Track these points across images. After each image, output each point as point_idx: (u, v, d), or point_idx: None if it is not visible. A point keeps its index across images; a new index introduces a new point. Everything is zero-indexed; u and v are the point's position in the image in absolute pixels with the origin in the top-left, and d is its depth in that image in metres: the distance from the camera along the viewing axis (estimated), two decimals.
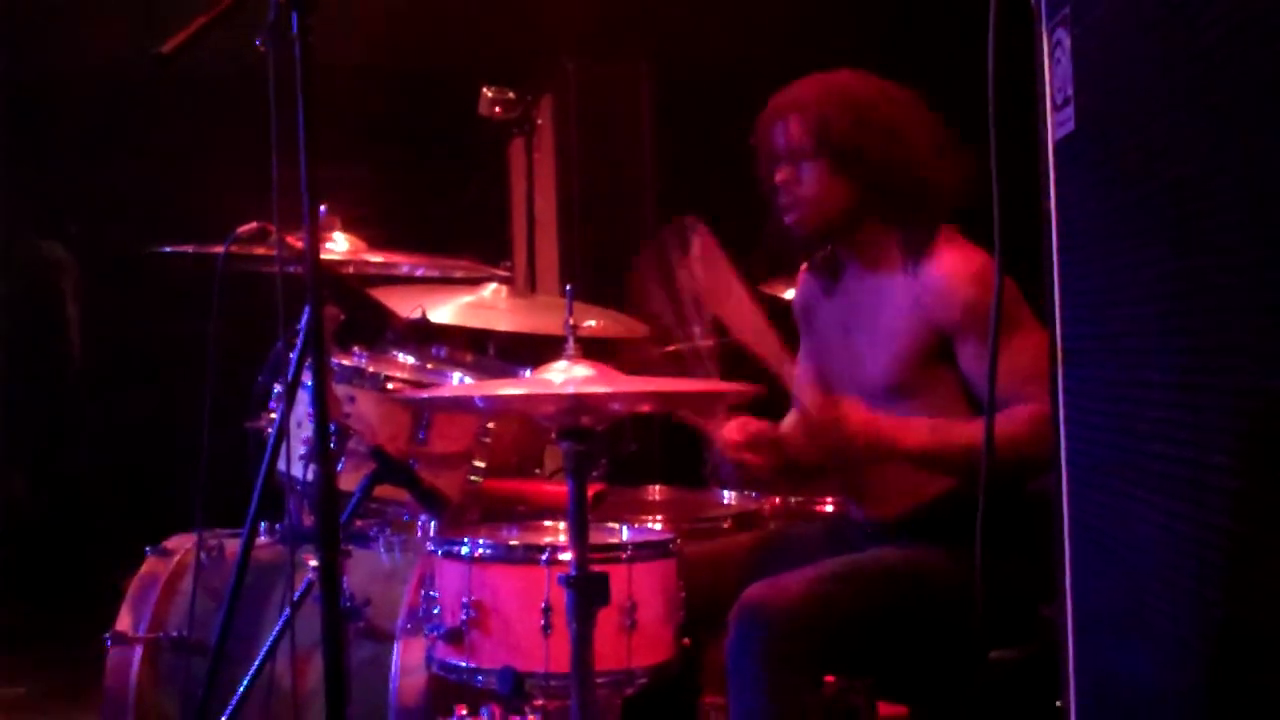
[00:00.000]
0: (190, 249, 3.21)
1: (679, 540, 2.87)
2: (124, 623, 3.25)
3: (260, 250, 3.01)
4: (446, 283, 3.66)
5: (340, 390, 3.13)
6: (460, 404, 3.10)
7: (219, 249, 2.90)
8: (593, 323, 2.68)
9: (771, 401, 2.77)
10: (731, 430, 2.87)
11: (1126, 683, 1.66)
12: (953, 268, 2.73)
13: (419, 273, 3.64)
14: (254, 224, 2.89)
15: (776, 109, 2.86)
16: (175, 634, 3.18)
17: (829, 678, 2.68)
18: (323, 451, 2.20)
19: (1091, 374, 1.74)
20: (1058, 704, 1.86)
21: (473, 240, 4.06)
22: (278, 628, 2.79)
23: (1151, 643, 1.56)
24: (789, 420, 2.83)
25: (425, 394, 3.15)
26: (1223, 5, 1.31)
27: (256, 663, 2.82)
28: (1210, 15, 1.33)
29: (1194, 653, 1.46)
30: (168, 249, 3.27)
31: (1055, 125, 1.79)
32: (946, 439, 2.68)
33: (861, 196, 2.81)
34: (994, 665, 2.56)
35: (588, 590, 2.42)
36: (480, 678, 2.73)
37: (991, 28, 1.75)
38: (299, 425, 3.08)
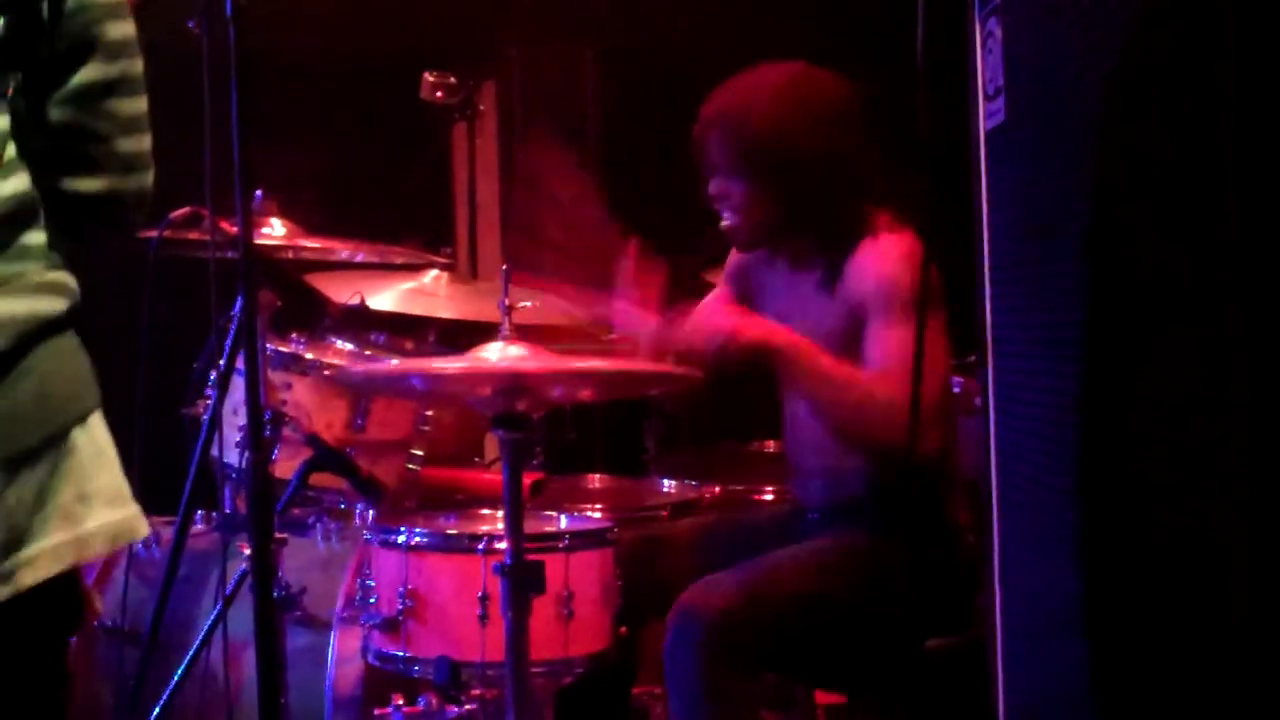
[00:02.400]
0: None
1: (617, 529, 2.87)
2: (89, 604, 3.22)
3: (194, 235, 2.97)
4: (386, 269, 3.64)
5: (276, 377, 3.11)
6: (395, 383, 3.07)
7: (152, 233, 2.86)
8: (528, 303, 2.67)
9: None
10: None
11: (1054, 674, 1.67)
12: (872, 251, 2.74)
13: (358, 259, 3.61)
14: (187, 209, 2.87)
15: (702, 122, 2.86)
16: (109, 622, 3.15)
17: (768, 675, 2.69)
18: (256, 439, 2.19)
19: (1019, 364, 1.75)
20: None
21: (414, 226, 4.03)
22: (212, 616, 2.77)
23: (1077, 634, 1.57)
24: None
25: (359, 369, 3.12)
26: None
27: (191, 651, 2.80)
28: (1129, 9, 1.34)
29: (1118, 645, 1.47)
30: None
31: (986, 115, 1.79)
32: (814, 358, 2.67)
33: (787, 206, 2.81)
34: (930, 654, 2.57)
35: (522, 579, 2.42)
36: (417, 667, 2.72)
37: (921, 17, 1.75)
38: (235, 412, 3.05)
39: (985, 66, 1.78)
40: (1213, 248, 1.22)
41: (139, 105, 1.63)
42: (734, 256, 3.07)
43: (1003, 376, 1.81)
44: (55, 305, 1.51)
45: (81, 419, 1.51)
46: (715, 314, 2.81)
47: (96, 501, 1.51)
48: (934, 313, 2.67)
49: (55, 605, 1.53)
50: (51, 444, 1.47)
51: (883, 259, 2.72)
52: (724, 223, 2.86)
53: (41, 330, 1.49)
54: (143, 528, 1.57)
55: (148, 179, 1.66)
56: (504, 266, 2.59)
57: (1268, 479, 1.19)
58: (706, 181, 2.86)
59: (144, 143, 1.64)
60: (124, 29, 1.61)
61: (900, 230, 2.76)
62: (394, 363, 3.22)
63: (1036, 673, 1.74)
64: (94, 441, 1.53)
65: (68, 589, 1.53)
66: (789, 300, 2.88)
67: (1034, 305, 1.71)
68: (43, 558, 1.46)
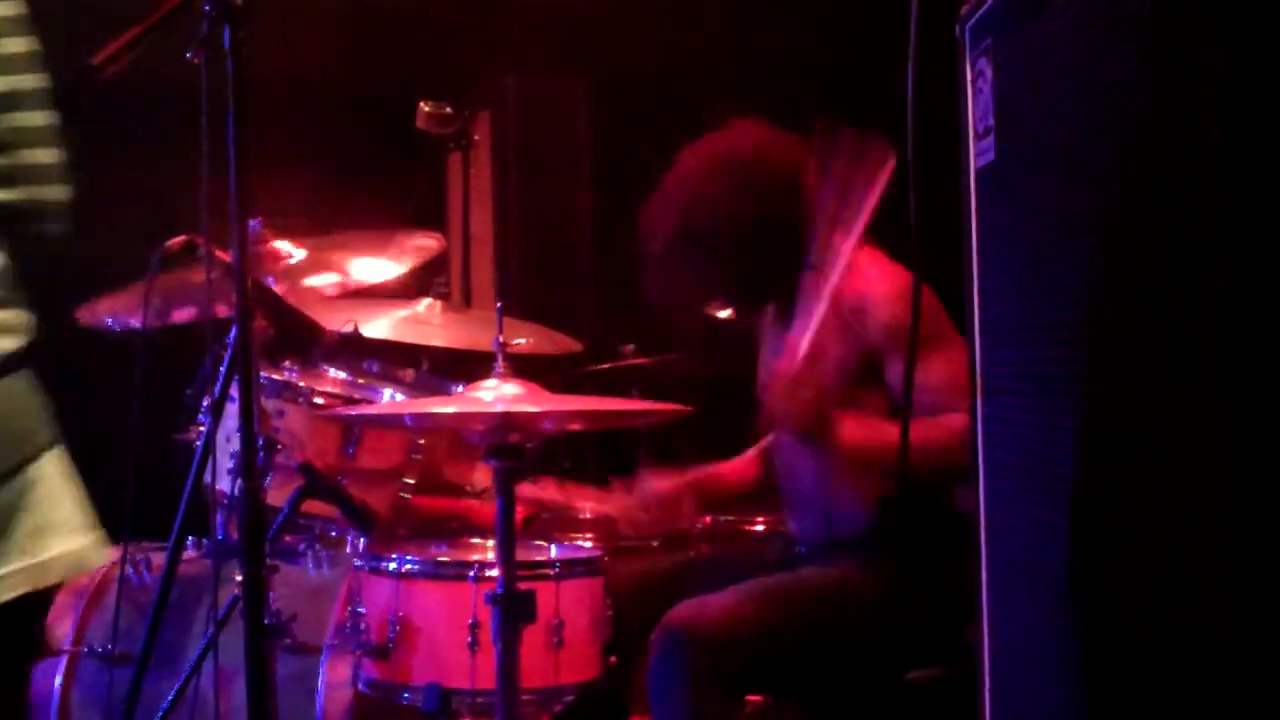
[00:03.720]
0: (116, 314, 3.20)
1: (608, 558, 2.88)
2: (48, 636, 3.22)
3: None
4: (381, 297, 3.65)
5: (269, 404, 3.12)
6: (388, 422, 3.09)
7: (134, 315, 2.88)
8: (523, 340, 2.69)
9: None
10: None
11: (1042, 709, 1.68)
12: (873, 290, 2.77)
13: (353, 287, 3.62)
14: (181, 238, 2.87)
15: (651, 218, 2.95)
16: (99, 647, 3.15)
17: (753, 697, 2.71)
18: (248, 466, 2.19)
19: (1009, 400, 1.77)
20: None
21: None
22: (203, 643, 2.77)
23: (1065, 668, 1.58)
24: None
25: (352, 411, 3.14)
26: (1135, 41, 1.33)
27: (181, 678, 2.80)
28: (1123, 50, 1.36)
29: (1106, 679, 1.48)
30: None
31: (977, 154, 1.81)
32: (878, 437, 2.70)
33: (762, 269, 2.87)
34: (912, 686, 2.59)
35: (513, 607, 2.43)
36: (406, 694, 2.73)
37: (911, 58, 1.77)
38: (227, 439, 3.05)
39: (975, 105, 1.80)
40: (1203, 286, 1.24)
41: (44, 119, 1.64)
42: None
43: (992, 412, 1.83)
44: (6, 345, 1.52)
45: (37, 455, 1.53)
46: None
47: (55, 532, 1.52)
48: (951, 330, 2.71)
49: (13, 632, 1.54)
50: (8, 479, 1.49)
51: (878, 303, 2.78)
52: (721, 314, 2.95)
53: None
54: (99, 556, 1.59)
55: (61, 191, 1.67)
56: (499, 303, 2.60)
57: (1253, 513, 1.21)
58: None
59: (53, 155, 1.65)
60: (23, 44, 1.62)
61: (878, 257, 2.79)
62: (387, 397, 3.23)
63: (1024, 707, 1.75)
64: (52, 475, 1.55)
65: (27, 617, 1.54)
66: (780, 344, 2.93)
67: (1023, 341, 1.72)
68: (1, 584, 1.47)
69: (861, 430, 2.72)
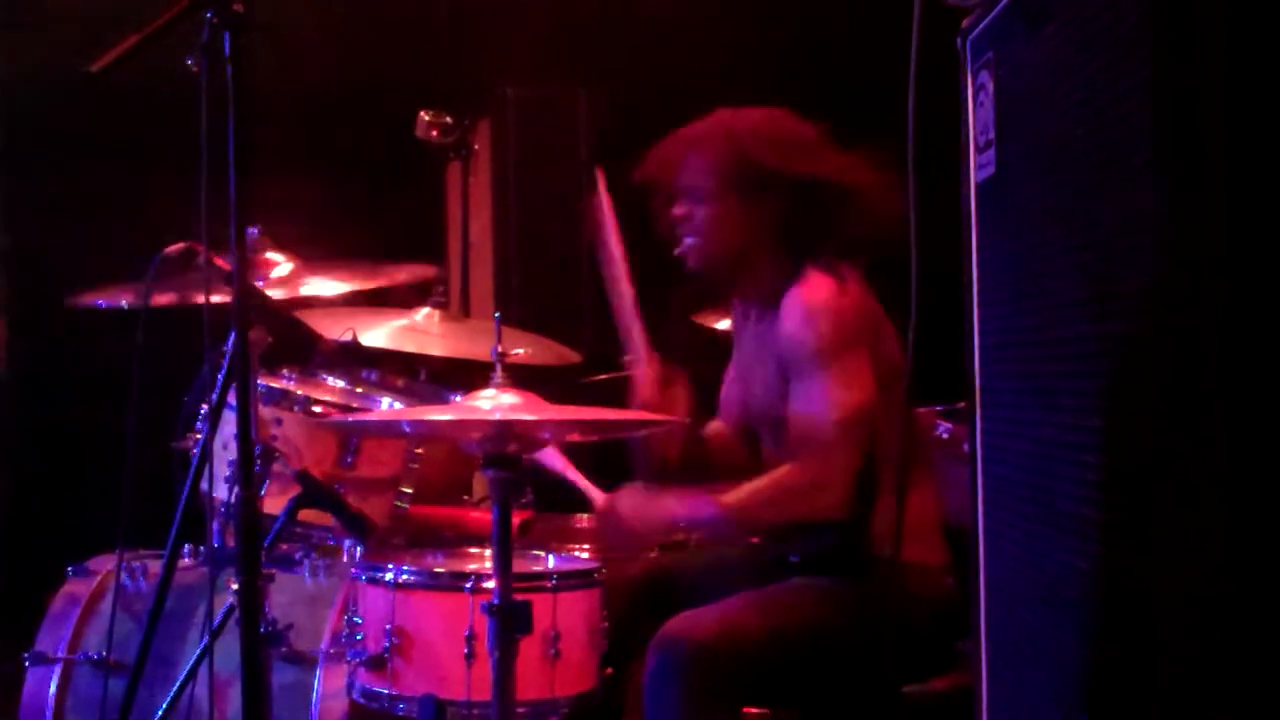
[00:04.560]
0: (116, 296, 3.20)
1: (604, 569, 2.88)
2: (43, 643, 3.22)
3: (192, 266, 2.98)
4: (379, 306, 3.65)
5: (267, 412, 3.11)
6: (385, 429, 3.09)
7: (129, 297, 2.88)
8: (522, 351, 2.68)
9: None
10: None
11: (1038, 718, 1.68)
12: (791, 302, 2.78)
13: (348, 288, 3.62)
14: (181, 245, 2.87)
15: (678, 143, 2.91)
16: (95, 655, 3.14)
17: (749, 709, 2.70)
18: (245, 475, 2.19)
19: (1007, 414, 1.76)
20: None
21: (407, 264, 4.04)
22: (198, 651, 2.77)
23: (1061, 680, 1.58)
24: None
25: (349, 418, 3.13)
26: (1136, 55, 1.33)
27: (176, 686, 2.79)
28: (1124, 64, 1.36)
29: (1105, 691, 1.47)
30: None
31: (977, 167, 1.81)
32: (696, 513, 2.86)
33: (756, 233, 2.85)
34: (908, 698, 2.58)
35: (510, 619, 2.42)
36: (402, 705, 2.71)
37: (912, 73, 1.77)
38: (225, 447, 3.05)
39: (977, 119, 1.81)
40: (1203, 299, 1.24)
41: None
42: (731, 323, 3.15)
43: (990, 425, 1.83)
44: None
45: None
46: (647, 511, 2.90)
47: None
48: (856, 353, 2.72)
49: None
50: None
51: (792, 314, 2.77)
52: (681, 246, 2.92)
53: None
54: None
55: None
56: (497, 314, 2.60)
57: (1249, 522, 1.21)
58: (665, 209, 2.92)
59: None
60: None
61: (831, 272, 2.79)
62: (385, 406, 3.23)
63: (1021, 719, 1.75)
64: None
65: None
66: (754, 351, 2.93)
67: (1023, 355, 1.72)
68: None
69: (682, 509, 2.86)
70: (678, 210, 2.89)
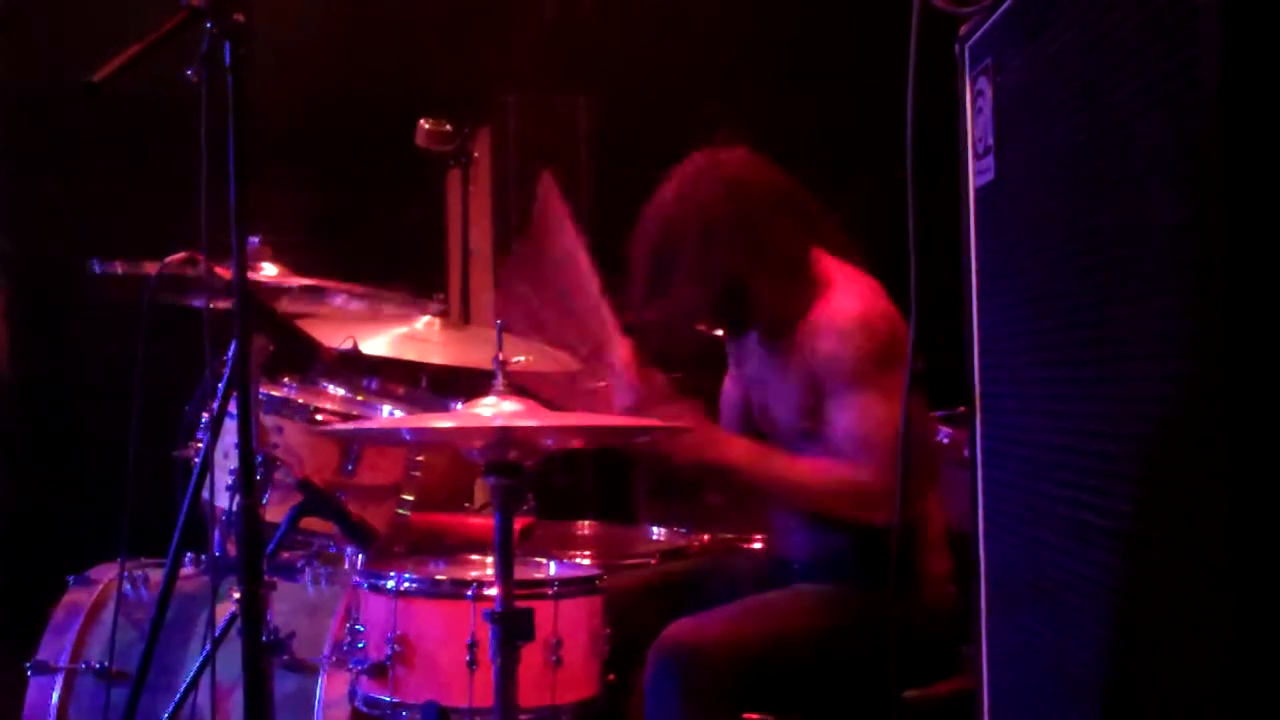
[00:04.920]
0: (119, 269, 3.18)
1: (606, 576, 2.87)
2: (45, 652, 3.21)
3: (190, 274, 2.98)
4: (379, 314, 3.65)
5: (268, 421, 3.11)
6: (386, 437, 3.09)
7: (151, 268, 2.87)
8: (522, 358, 2.68)
9: None
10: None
11: None
12: (823, 320, 2.78)
13: (351, 305, 3.62)
14: (182, 254, 2.87)
15: (641, 222, 2.94)
16: (97, 664, 3.14)
17: (749, 715, 2.70)
18: (247, 484, 2.19)
19: (1007, 420, 1.77)
20: None
21: (407, 272, 4.05)
22: (200, 659, 2.77)
23: (1063, 685, 1.58)
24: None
25: (350, 426, 3.13)
26: (1134, 61, 1.34)
27: (178, 694, 2.79)
28: (1123, 70, 1.36)
29: (1105, 699, 1.48)
30: (97, 267, 3.24)
31: (976, 173, 1.82)
32: (766, 466, 2.79)
33: (715, 285, 2.87)
34: (910, 704, 2.58)
35: (512, 626, 2.42)
36: (404, 713, 2.71)
37: (911, 77, 1.78)
38: (226, 455, 3.05)
39: (975, 125, 1.81)
40: (1205, 307, 1.24)
41: None
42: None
43: (990, 431, 1.83)
44: None
45: None
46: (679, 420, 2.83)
47: None
48: (894, 366, 2.69)
49: None
50: None
51: (826, 332, 2.77)
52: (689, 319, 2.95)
53: None
54: None
55: None
56: (498, 320, 2.60)
57: (1252, 530, 1.21)
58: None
59: None
60: None
61: (853, 285, 2.78)
62: (386, 414, 3.23)
63: None
64: None
65: None
66: (761, 368, 2.93)
67: (1022, 361, 1.73)
68: None
69: (748, 456, 2.81)
70: (644, 288, 2.92)
